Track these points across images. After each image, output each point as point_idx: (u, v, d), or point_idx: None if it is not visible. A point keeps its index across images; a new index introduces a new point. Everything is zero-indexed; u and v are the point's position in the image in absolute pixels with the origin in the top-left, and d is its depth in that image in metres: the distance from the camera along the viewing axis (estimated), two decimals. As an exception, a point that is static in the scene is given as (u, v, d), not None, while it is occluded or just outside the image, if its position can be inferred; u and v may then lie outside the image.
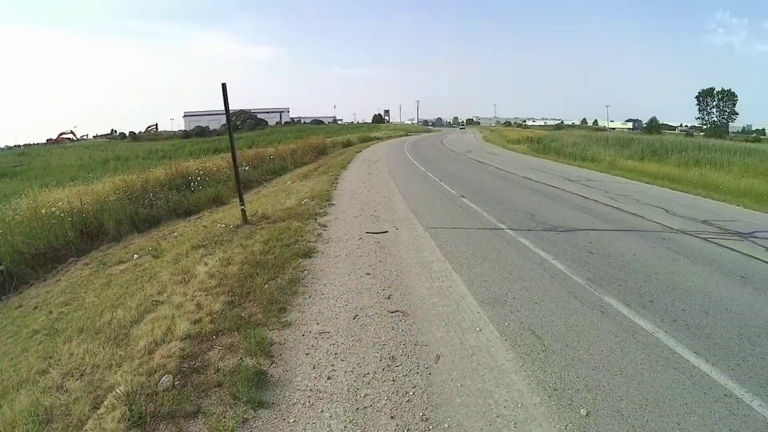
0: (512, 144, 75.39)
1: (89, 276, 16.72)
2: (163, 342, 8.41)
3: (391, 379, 7.00)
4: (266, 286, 10.60)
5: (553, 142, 59.76)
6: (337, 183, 28.03)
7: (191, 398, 6.64)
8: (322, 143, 64.01)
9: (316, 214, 18.40)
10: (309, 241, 14.39)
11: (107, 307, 11.53)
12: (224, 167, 36.66)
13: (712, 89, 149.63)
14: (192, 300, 10.23)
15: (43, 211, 21.57)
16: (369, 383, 6.90)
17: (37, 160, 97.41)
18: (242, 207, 18.09)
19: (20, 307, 15.08)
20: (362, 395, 6.65)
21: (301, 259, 12.57)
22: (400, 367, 7.25)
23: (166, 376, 7.17)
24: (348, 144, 77.02)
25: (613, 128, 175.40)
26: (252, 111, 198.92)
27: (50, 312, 13.29)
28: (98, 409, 6.74)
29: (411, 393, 6.68)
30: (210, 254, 13.96)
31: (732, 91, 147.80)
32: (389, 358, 7.51)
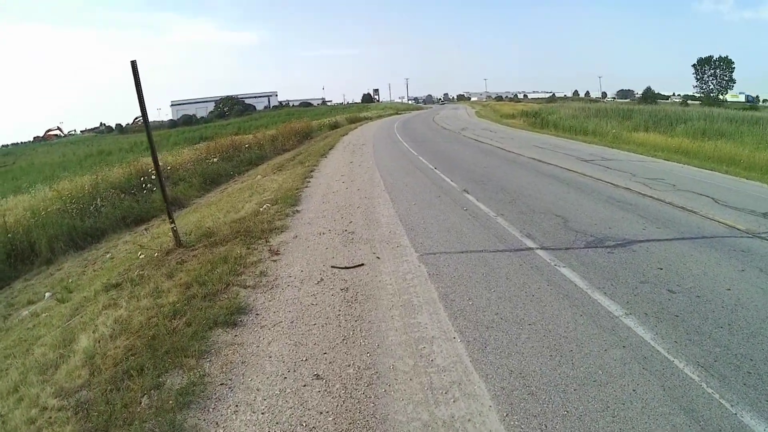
0: (507, 119, 71.80)
1: None
2: None
3: None
4: (141, 406, 6.09)
5: (551, 115, 55.87)
6: (311, 177, 23.28)
7: None
8: (307, 127, 60.33)
9: (271, 230, 13.63)
10: (245, 286, 9.69)
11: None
12: (189, 161, 33.28)
13: (710, 57, 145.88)
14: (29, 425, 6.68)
15: None
16: None
17: (22, 159, 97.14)
18: (173, 226, 13.52)
19: None
20: None
21: (219, 331, 7.84)
22: None
23: None
24: (335, 126, 73.31)
25: (612, 98, 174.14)
26: (239, 96, 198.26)
27: None
28: None
29: None
30: (114, 304, 10.28)
31: (729, 58, 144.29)
32: None
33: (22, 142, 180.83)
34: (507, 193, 16.21)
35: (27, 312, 13.86)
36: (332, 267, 10.28)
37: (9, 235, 19.27)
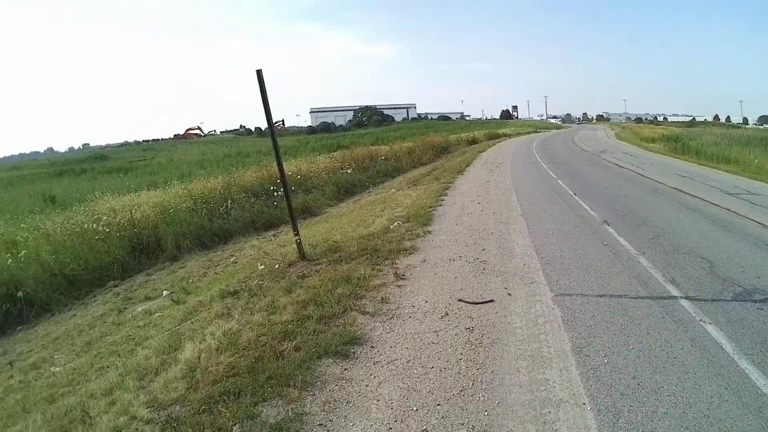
0: (647, 143, 68.88)
1: (96, 319, 14.01)
2: None
3: None
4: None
5: (692, 141, 52.95)
6: (446, 194, 22.57)
7: None
8: (444, 141, 60.34)
9: (399, 251, 13.06)
10: (364, 312, 9.09)
11: (39, 401, 8.71)
12: (324, 169, 33.40)
13: None
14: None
15: (86, 226, 18.72)
16: None
17: (161, 155, 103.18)
18: (297, 239, 13.22)
19: (4, 354, 12.87)
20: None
21: (328, 362, 7.34)
22: None
23: None
24: (473, 141, 72.61)
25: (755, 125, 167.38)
26: (378, 107, 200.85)
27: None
28: None
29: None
30: (226, 314, 10.01)
31: None
32: None
33: (162, 139, 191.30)
34: (649, 228, 15.01)
35: (142, 308, 13.88)
36: (459, 300, 9.49)
37: (135, 229, 19.45)
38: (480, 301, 9.37)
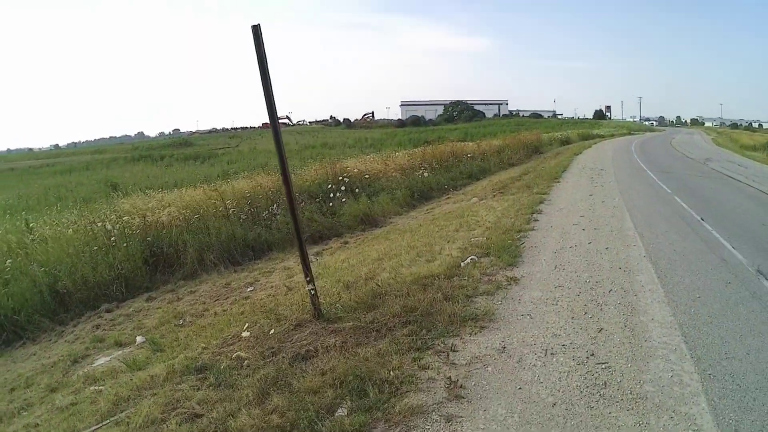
0: (748, 150, 63.24)
1: (44, 370, 10.13)
2: None
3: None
4: None
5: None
6: (539, 211, 17.56)
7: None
8: (537, 140, 56.97)
9: (465, 322, 7.99)
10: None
11: None
12: (395, 169, 29.33)
13: None
14: None
15: (70, 231, 15.63)
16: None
17: (245, 144, 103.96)
18: (310, 288, 8.53)
19: None
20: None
21: None
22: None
23: None
24: (566, 141, 69.30)
25: None
26: (469, 102, 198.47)
27: None
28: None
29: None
30: (158, 423, 6.11)
31: None
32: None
33: (251, 127, 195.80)
34: None
35: (85, 371, 9.43)
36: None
37: (149, 237, 15.63)
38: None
